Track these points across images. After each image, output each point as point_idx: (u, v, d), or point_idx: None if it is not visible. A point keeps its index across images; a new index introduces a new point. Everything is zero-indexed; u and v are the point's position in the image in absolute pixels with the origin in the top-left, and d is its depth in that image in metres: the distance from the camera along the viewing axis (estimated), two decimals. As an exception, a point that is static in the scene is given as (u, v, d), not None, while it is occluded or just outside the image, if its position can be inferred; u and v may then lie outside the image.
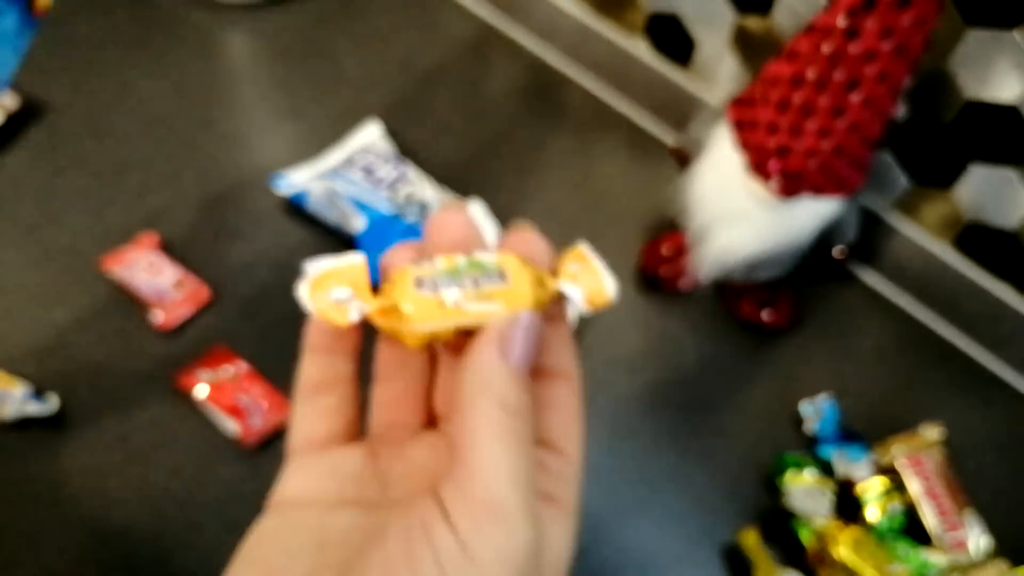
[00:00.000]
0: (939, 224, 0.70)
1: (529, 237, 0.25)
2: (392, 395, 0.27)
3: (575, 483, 0.24)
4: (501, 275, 0.24)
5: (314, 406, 0.25)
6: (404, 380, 0.27)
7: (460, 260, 0.24)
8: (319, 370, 0.25)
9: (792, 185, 0.60)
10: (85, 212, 0.71)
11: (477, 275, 0.24)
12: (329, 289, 0.24)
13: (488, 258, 0.24)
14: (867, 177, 0.63)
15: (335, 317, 0.23)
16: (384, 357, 0.27)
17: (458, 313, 0.23)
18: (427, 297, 0.23)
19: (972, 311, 0.71)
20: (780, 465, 0.62)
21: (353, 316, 0.23)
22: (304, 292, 0.24)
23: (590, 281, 0.26)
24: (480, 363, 0.22)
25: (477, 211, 0.72)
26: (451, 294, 0.23)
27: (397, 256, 0.24)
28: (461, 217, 0.25)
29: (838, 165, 0.59)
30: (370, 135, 0.77)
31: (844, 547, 0.56)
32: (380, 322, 0.24)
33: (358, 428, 0.26)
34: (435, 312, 0.23)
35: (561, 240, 0.78)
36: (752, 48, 0.73)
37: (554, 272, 0.25)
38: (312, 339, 0.25)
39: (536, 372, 0.24)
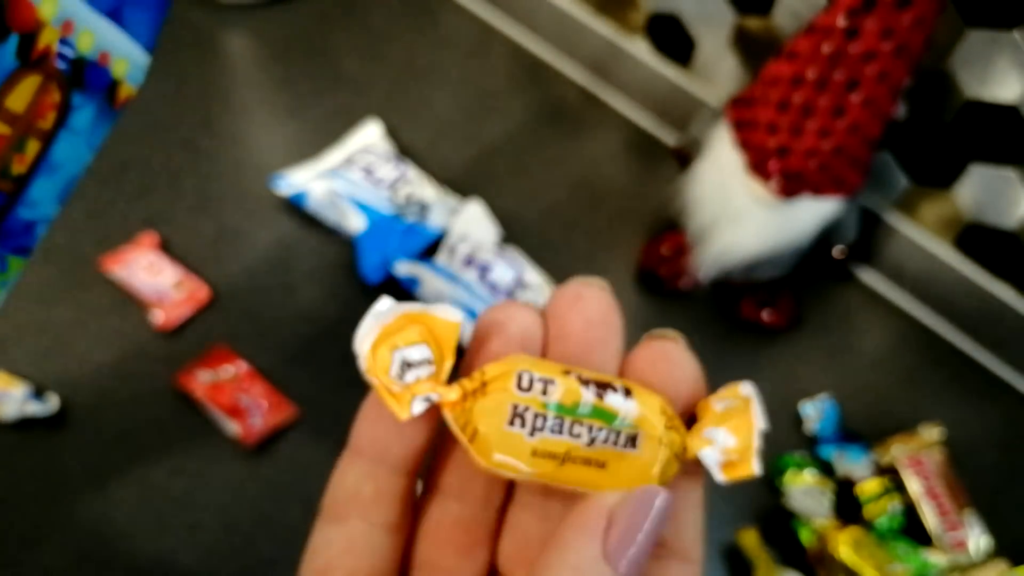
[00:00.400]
0: (939, 224, 0.70)
1: (674, 356, 0.19)
2: (448, 519, 0.19)
3: None
4: (632, 439, 0.18)
5: (340, 532, 0.19)
6: (469, 502, 0.19)
7: (586, 397, 0.17)
8: (359, 480, 0.19)
9: (792, 185, 0.60)
10: (85, 212, 0.71)
11: (599, 428, 0.18)
12: (400, 351, 0.17)
13: (626, 408, 0.18)
14: (867, 177, 0.63)
15: (391, 401, 0.17)
16: (452, 461, 0.19)
17: (550, 469, 0.17)
18: (517, 435, 0.17)
19: (972, 311, 0.71)
20: (780, 465, 0.62)
21: (416, 408, 0.17)
22: (364, 348, 0.17)
23: (738, 442, 0.18)
24: (573, 559, 0.16)
25: (477, 211, 0.72)
26: (550, 444, 0.18)
27: (510, 328, 0.18)
28: (600, 297, 0.18)
29: (838, 165, 0.59)
30: (370, 135, 0.77)
31: (844, 547, 0.56)
32: (448, 417, 0.18)
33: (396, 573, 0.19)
34: (520, 453, 0.17)
35: (561, 240, 0.79)
36: (752, 48, 0.73)
37: (695, 419, 0.19)
38: (364, 431, 0.18)
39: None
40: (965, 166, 0.65)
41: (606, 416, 0.18)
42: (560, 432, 0.17)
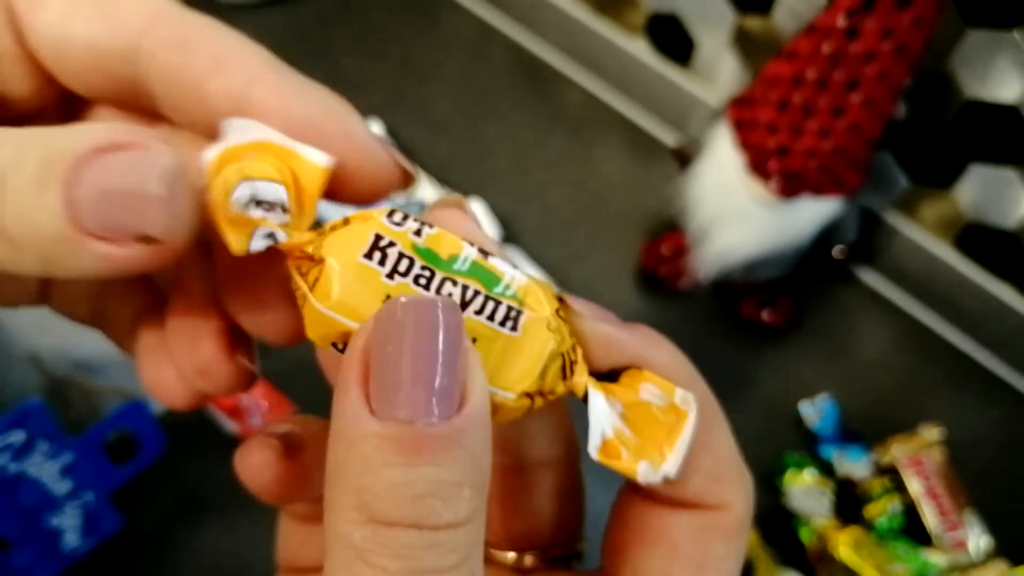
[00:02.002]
0: (939, 224, 0.70)
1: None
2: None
3: None
4: (512, 316, 0.15)
5: None
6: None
7: (467, 251, 0.15)
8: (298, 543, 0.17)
9: (792, 185, 0.60)
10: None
11: (475, 292, 0.15)
12: (250, 182, 0.14)
13: (512, 274, 0.15)
14: (867, 177, 0.63)
15: (227, 229, 0.14)
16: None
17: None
18: (372, 270, 0.14)
19: (972, 311, 0.71)
20: (780, 465, 0.62)
21: (256, 244, 0.14)
22: (205, 162, 0.15)
23: (637, 441, 0.15)
24: (343, 426, 0.13)
25: (477, 211, 0.72)
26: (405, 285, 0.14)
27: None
28: (460, 217, 0.17)
29: (838, 165, 0.59)
30: (370, 135, 0.77)
31: (844, 547, 0.56)
32: (290, 268, 0.15)
33: None
34: (369, 293, 0.14)
35: (561, 240, 0.79)
36: (752, 48, 0.73)
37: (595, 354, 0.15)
38: (260, 484, 0.17)
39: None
40: (965, 166, 0.65)
41: (486, 278, 0.14)
42: (426, 286, 0.14)
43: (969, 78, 0.61)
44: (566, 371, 0.15)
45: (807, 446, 0.65)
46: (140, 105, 0.18)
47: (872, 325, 0.74)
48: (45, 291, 0.19)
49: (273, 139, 0.15)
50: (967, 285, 0.70)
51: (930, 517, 0.60)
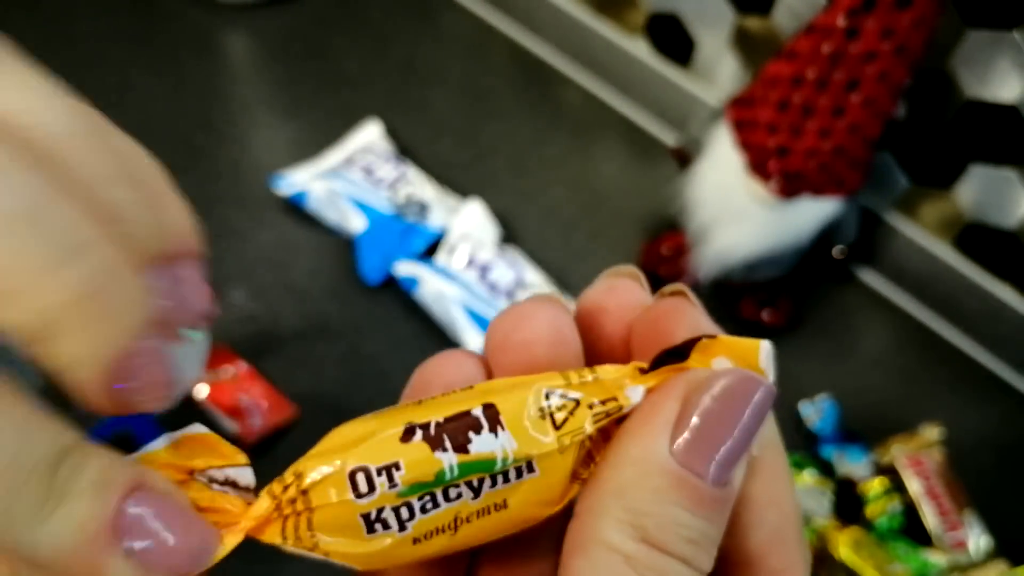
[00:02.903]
0: (939, 224, 0.70)
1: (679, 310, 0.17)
2: None
3: None
4: (526, 467, 0.14)
5: None
6: None
7: (446, 462, 0.14)
8: None
9: (792, 185, 0.60)
10: (85, 212, 0.71)
11: (481, 480, 0.14)
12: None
13: (501, 445, 0.14)
14: (867, 177, 0.63)
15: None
16: None
17: (444, 542, 0.14)
18: (383, 538, 0.14)
19: (972, 311, 0.71)
20: (780, 465, 0.62)
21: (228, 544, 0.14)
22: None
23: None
24: (635, 451, 0.14)
25: (477, 211, 0.72)
26: (429, 522, 0.14)
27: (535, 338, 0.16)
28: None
29: (838, 165, 0.59)
30: (370, 135, 0.77)
31: (844, 547, 0.56)
32: (286, 545, 0.16)
33: None
34: (398, 551, 0.14)
35: (561, 240, 0.79)
36: (752, 48, 0.73)
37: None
38: None
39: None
40: (965, 166, 0.65)
41: (481, 466, 0.14)
42: (436, 507, 0.14)
43: (969, 78, 0.61)
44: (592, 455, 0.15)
45: (807, 446, 0.65)
46: None
47: (872, 325, 0.74)
48: None
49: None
50: (967, 285, 0.70)
51: (930, 517, 0.60)
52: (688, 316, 0.17)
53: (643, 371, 0.15)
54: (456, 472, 0.14)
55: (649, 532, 0.14)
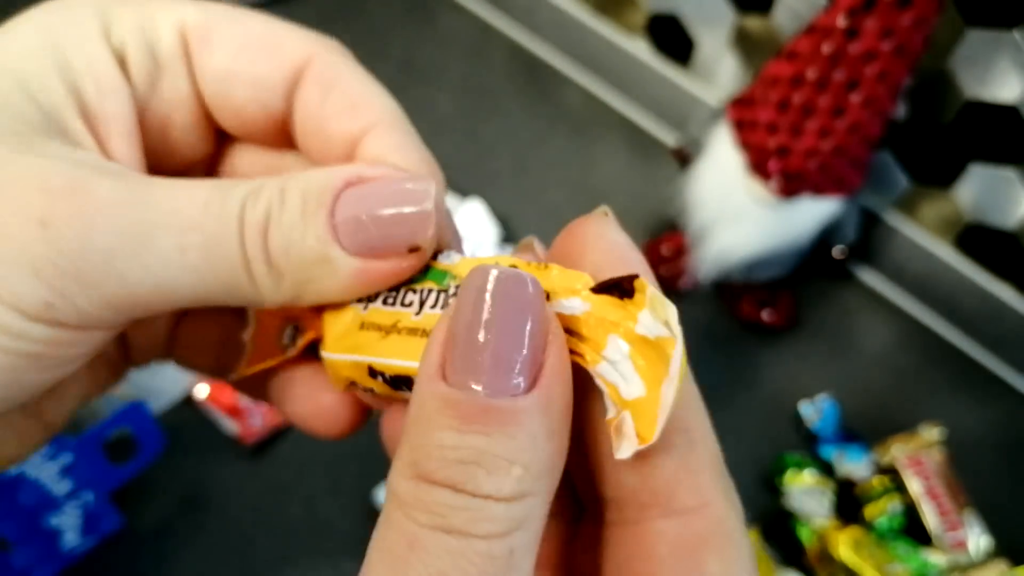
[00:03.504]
0: (939, 224, 0.70)
1: (593, 230, 0.16)
2: None
3: None
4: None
5: None
6: None
7: (425, 285, 0.17)
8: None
9: (792, 185, 0.60)
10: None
11: (430, 291, 0.16)
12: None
13: (451, 260, 0.17)
14: (867, 177, 0.63)
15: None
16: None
17: (372, 340, 0.16)
18: (352, 310, 0.17)
19: (972, 311, 0.71)
20: (780, 465, 0.62)
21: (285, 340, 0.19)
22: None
23: (644, 391, 0.14)
24: (416, 387, 0.14)
25: (477, 211, 0.72)
26: (378, 315, 0.17)
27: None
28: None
29: (838, 165, 0.59)
30: (370, 135, 0.77)
31: (844, 547, 0.56)
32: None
33: None
34: (349, 332, 0.17)
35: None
36: (752, 48, 0.73)
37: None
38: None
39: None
40: (965, 166, 0.65)
41: (437, 276, 0.16)
42: (392, 304, 0.16)
43: (969, 78, 0.61)
44: None
45: (807, 446, 0.65)
46: (283, 141, 0.20)
47: (872, 325, 0.74)
48: (171, 347, 0.21)
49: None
50: (967, 285, 0.70)
51: (930, 517, 0.60)
52: (603, 236, 0.16)
53: (591, 289, 0.15)
54: (422, 274, 0.17)
55: (419, 465, 0.13)
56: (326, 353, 0.17)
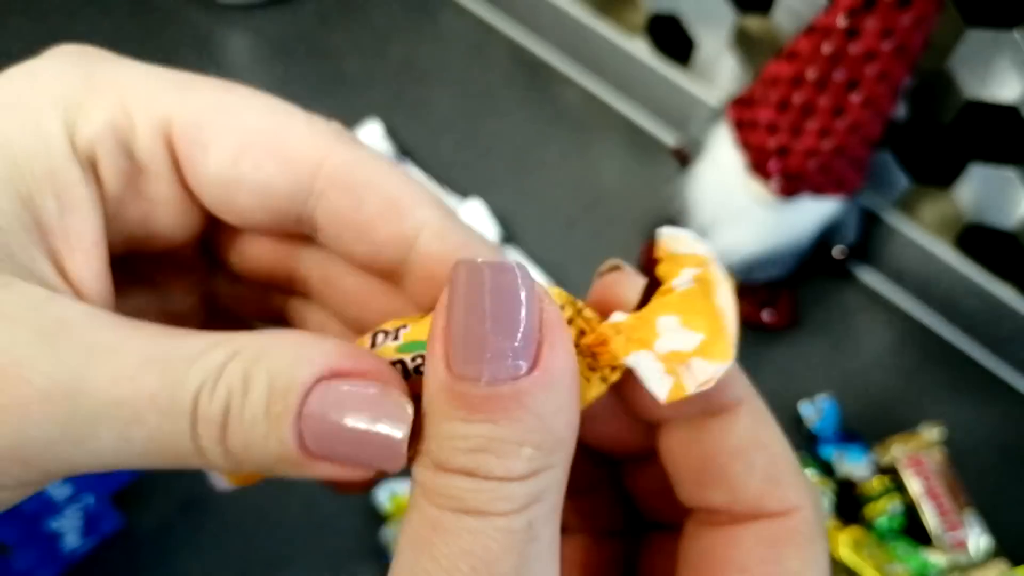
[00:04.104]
0: (939, 224, 0.70)
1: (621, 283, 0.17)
2: None
3: None
4: None
5: None
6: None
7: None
8: None
9: (792, 185, 0.60)
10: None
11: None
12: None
13: None
14: (867, 177, 0.63)
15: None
16: None
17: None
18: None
19: (972, 311, 0.71)
20: (780, 465, 0.62)
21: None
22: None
23: (704, 335, 0.15)
24: (427, 382, 0.15)
25: (477, 211, 0.72)
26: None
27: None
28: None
29: (838, 165, 0.59)
30: (370, 135, 0.77)
31: (844, 547, 0.56)
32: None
33: None
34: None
35: (561, 240, 0.79)
36: (752, 48, 0.73)
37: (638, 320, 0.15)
38: None
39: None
40: (965, 166, 0.65)
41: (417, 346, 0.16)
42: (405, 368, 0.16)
43: (969, 78, 0.61)
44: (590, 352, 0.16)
45: (807, 446, 0.65)
46: (296, 233, 0.18)
47: (872, 325, 0.74)
48: None
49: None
50: (967, 285, 0.70)
51: (930, 517, 0.60)
52: (629, 282, 0.17)
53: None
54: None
55: (434, 455, 0.14)
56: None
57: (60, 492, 0.52)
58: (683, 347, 0.15)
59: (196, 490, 0.59)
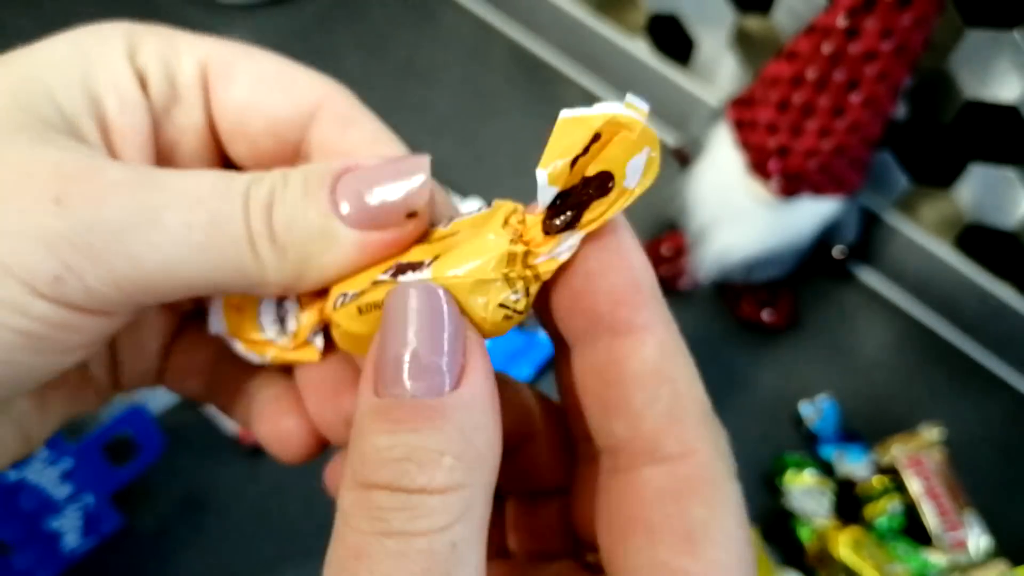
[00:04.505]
0: (939, 224, 0.70)
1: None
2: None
3: None
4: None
5: None
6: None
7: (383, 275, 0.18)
8: None
9: (792, 185, 0.60)
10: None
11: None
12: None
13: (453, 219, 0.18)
14: (867, 177, 0.63)
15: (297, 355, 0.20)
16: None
17: (377, 312, 0.17)
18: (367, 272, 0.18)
19: (972, 311, 0.71)
20: (780, 465, 0.62)
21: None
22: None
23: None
24: (356, 410, 0.15)
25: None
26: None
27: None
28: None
29: (838, 165, 0.59)
30: (370, 135, 0.77)
31: (844, 547, 0.56)
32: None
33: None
34: (354, 318, 0.18)
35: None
36: (752, 48, 0.73)
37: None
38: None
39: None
40: (965, 166, 0.65)
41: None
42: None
43: (969, 78, 0.61)
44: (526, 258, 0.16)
45: (807, 446, 0.65)
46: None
47: (872, 325, 0.74)
48: (162, 371, 0.22)
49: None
50: (967, 285, 0.70)
51: (930, 517, 0.60)
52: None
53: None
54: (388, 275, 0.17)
55: (357, 472, 0.14)
56: (344, 333, 0.18)
57: (60, 492, 0.52)
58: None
59: (196, 490, 0.59)
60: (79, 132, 0.18)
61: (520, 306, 0.16)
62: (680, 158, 0.71)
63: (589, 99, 0.86)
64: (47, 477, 0.51)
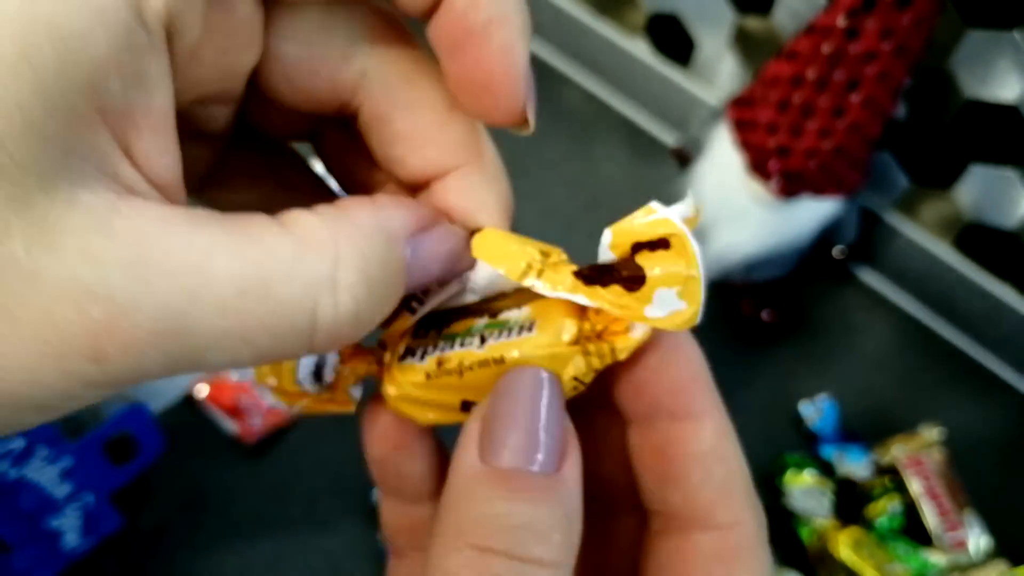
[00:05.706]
0: (939, 224, 0.70)
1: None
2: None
3: None
4: (528, 326, 0.17)
5: (402, 565, 0.20)
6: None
7: (479, 322, 0.18)
8: (397, 516, 0.20)
9: (792, 185, 0.60)
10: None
11: (491, 332, 0.18)
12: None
13: (519, 311, 0.18)
14: (867, 177, 0.63)
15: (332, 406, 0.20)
16: (391, 515, 0.21)
17: (452, 381, 0.17)
18: (409, 365, 0.18)
19: (972, 311, 0.71)
20: (780, 465, 0.62)
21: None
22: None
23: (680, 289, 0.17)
24: (454, 474, 0.15)
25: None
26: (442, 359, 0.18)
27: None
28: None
29: (838, 165, 0.59)
30: (370, 135, 0.77)
31: (844, 547, 0.56)
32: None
33: None
34: (414, 378, 0.18)
35: (561, 240, 0.78)
36: (752, 48, 0.73)
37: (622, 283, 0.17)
38: (374, 460, 0.20)
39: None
40: (965, 166, 0.65)
41: (499, 324, 0.18)
42: (450, 348, 0.18)
43: (969, 78, 0.61)
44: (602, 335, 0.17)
45: (807, 446, 0.65)
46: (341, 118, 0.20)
47: (872, 325, 0.74)
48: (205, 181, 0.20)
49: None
50: (967, 285, 0.70)
51: (930, 517, 0.60)
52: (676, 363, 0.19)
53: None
54: (482, 324, 0.18)
55: (469, 535, 0.14)
56: (405, 396, 0.18)
57: (60, 491, 0.52)
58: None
59: (196, 490, 0.59)
60: (72, 151, 0.13)
61: (588, 379, 0.17)
62: (680, 158, 0.71)
63: (589, 99, 0.86)
64: (47, 476, 0.51)
